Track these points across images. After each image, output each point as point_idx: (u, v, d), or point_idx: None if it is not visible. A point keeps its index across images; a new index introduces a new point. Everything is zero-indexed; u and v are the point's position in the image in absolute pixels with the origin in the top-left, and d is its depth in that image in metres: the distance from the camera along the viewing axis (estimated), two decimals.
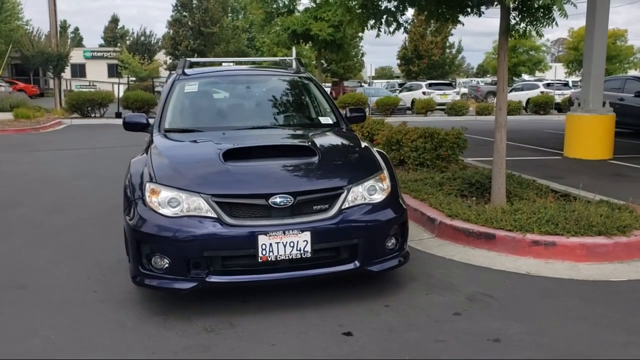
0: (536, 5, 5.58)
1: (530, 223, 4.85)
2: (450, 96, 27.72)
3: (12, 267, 4.73)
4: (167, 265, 3.57)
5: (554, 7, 5.37)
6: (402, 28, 6.47)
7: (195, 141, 4.42)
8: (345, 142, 4.57)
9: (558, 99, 27.05)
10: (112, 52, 48.03)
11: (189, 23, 37.79)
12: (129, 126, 5.01)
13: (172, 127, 4.77)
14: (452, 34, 42.81)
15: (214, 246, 3.53)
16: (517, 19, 5.85)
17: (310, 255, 3.58)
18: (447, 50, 43.31)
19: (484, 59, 51.31)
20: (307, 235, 3.56)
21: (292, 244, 3.54)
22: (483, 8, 6.13)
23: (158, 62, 41.81)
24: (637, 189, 7.22)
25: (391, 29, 6.59)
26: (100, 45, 57.85)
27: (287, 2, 13.06)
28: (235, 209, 3.59)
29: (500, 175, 6.02)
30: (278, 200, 3.57)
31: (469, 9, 6.12)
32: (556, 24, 5.71)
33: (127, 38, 54.51)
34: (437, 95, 27.09)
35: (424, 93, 27.60)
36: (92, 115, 21.70)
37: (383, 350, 3.19)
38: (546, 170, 8.75)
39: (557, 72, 30.72)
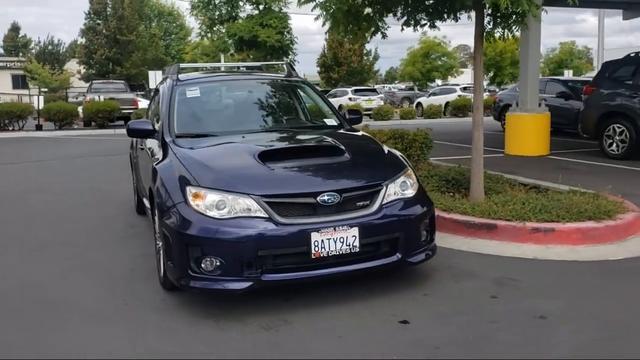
0: (511, 11, 6.00)
1: (526, 212, 5.22)
2: (375, 102, 28.50)
3: (20, 283, 4.50)
4: (219, 266, 3.57)
5: (529, 12, 5.82)
6: (380, 32, 6.74)
7: (220, 144, 4.42)
8: (363, 141, 4.74)
9: None
10: (16, 62, 45.34)
11: (104, 31, 36.45)
12: (134, 132, 4.94)
13: (184, 132, 4.73)
14: (368, 42, 44.00)
15: (269, 245, 3.58)
16: (491, 24, 6.27)
17: (358, 249, 3.72)
18: (365, 58, 44.49)
19: (399, 65, 53.14)
20: (355, 231, 3.69)
21: (342, 240, 3.66)
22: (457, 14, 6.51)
23: (70, 71, 39.94)
24: (586, 179, 7.82)
25: (367, 34, 6.86)
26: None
27: (229, 9, 13.05)
28: (284, 208, 3.65)
29: (479, 171, 6.38)
30: (326, 198, 3.68)
31: (445, 15, 6.47)
32: (527, 27, 6.17)
33: (32, 47, 51.71)
34: (363, 101, 27.75)
35: (350, 99, 28.20)
36: (10, 128, 20.46)
37: (446, 333, 3.37)
38: (497, 167, 9.24)
39: (469, 76, 32.37)
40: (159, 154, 4.58)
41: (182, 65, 5.78)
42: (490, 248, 5.00)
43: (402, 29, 6.98)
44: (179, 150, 4.32)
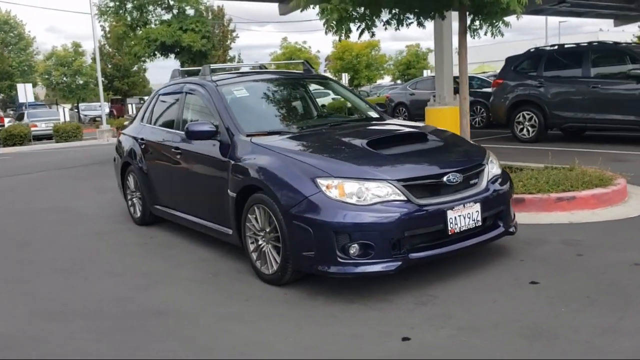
0: (490, 11, 6.65)
1: (542, 185, 5.90)
2: None
3: (109, 300, 4.19)
4: (370, 250, 3.70)
5: (511, 8, 6.51)
6: (371, 32, 7.11)
7: (313, 138, 4.51)
8: (435, 128, 5.06)
9: None
10: None
11: None
12: (196, 135, 4.80)
13: (255, 131, 4.70)
14: (231, 48, 44.02)
15: (413, 225, 3.79)
16: (476, 21, 6.91)
17: (480, 223, 4.06)
18: (229, 63, 44.35)
19: None
20: (478, 206, 4.03)
21: (469, 215, 3.98)
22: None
23: None
24: (528, 159, 8.77)
25: (358, 32, 7.18)
26: None
27: (140, 15, 12.62)
28: (416, 190, 3.87)
29: None
30: (451, 177, 3.97)
31: (431, 13, 7.01)
32: (509, 24, 6.90)
33: None
34: None
35: None
36: None
37: (578, 287, 3.80)
38: None
39: (345, 79, 33.94)
40: (231, 154, 4.54)
41: (212, 65, 5.66)
42: (524, 218, 5.55)
43: (386, 28, 7.43)
44: (273, 146, 4.33)
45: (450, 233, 3.90)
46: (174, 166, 5.48)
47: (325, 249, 3.74)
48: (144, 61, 13.26)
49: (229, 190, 4.55)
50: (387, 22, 7.25)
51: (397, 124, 5.11)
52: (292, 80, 5.84)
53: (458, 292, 3.87)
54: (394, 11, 6.96)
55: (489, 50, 41.25)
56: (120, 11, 12.21)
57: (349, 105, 5.77)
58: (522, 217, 5.59)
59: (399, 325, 3.43)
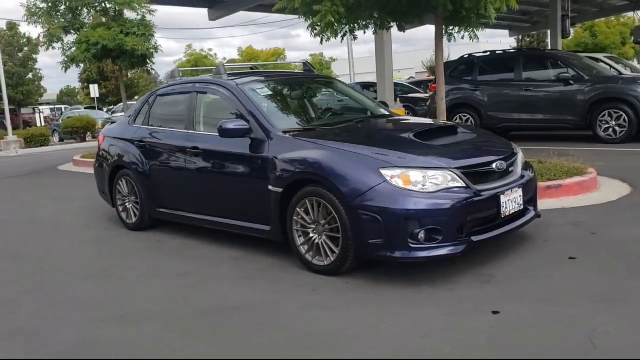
0: (466, 16, 7.15)
1: None
2: None
3: (181, 305, 4.10)
4: (438, 235, 3.92)
5: (487, 13, 7.01)
6: (353, 35, 7.38)
7: (351, 132, 4.69)
8: (456, 123, 5.37)
9: None
10: None
11: None
12: (230, 133, 4.79)
13: (289, 128, 4.79)
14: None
15: (474, 210, 4.06)
16: (451, 25, 7.37)
17: (522, 207, 4.42)
18: (134, 71, 42.73)
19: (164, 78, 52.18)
20: (520, 191, 4.39)
21: (514, 200, 4.33)
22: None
23: None
24: None
25: (341, 34, 7.40)
26: None
27: (71, 18, 12.07)
28: (471, 177, 4.15)
29: None
30: (499, 165, 4.31)
31: (410, 18, 7.38)
32: (483, 29, 7.42)
33: None
34: None
35: None
36: None
37: (611, 259, 4.25)
38: None
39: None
40: (270, 150, 4.61)
41: (226, 64, 5.64)
42: None
43: (364, 32, 7.72)
44: (320, 140, 4.45)
45: (503, 216, 4.22)
46: (190, 167, 5.39)
47: (395, 236, 3.91)
48: (78, 65, 12.66)
49: (270, 187, 4.58)
50: (366, 26, 7.55)
51: (416, 119, 5.39)
52: (303, 79, 5.95)
53: (511, 270, 4.19)
54: (375, 15, 7.25)
55: None
56: (53, 13, 11.59)
57: (355, 104, 5.95)
58: None
59: (480, 301, 3.68)
